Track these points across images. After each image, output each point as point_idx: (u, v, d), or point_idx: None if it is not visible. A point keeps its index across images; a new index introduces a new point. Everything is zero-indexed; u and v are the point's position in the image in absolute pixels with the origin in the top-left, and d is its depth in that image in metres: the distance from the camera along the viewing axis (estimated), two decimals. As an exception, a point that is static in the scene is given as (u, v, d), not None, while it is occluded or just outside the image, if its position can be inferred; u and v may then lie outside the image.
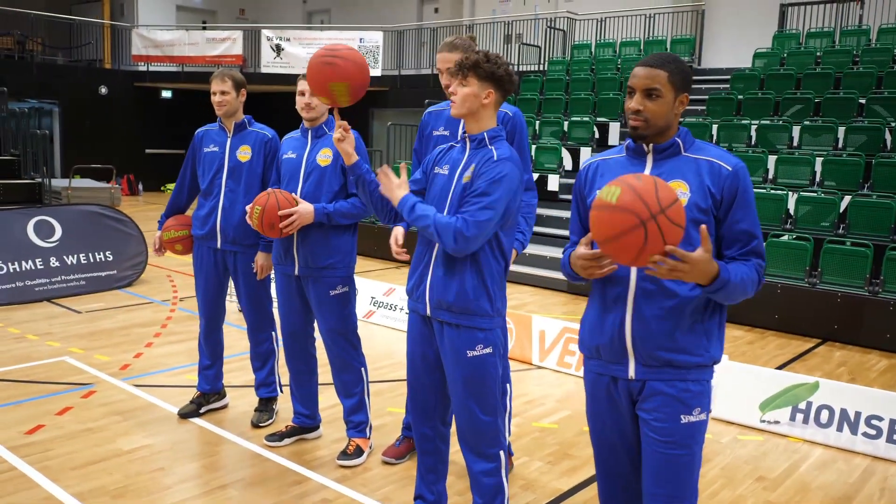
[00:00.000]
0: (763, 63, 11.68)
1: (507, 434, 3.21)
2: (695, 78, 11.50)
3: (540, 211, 8.01)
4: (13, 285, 7.14)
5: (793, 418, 4.60)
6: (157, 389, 4.95)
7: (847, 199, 7.74)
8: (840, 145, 8.99)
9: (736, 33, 13.58)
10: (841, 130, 9.05)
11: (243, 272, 4.22)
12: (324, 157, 3.79)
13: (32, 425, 4.29)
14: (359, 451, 3.95)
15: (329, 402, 4.58)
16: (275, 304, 4.25)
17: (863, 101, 9.61)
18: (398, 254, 3.53)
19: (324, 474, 3.80)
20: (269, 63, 17.31)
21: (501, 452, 2.92)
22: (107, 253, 7.90)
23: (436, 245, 2.83)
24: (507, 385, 3.67)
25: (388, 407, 4.79)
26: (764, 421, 4.67)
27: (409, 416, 3.31)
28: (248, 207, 3.72)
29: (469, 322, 2.79)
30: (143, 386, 5.00)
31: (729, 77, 11.56)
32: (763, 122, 9.72)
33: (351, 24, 18.56)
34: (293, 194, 3.75)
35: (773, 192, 8.18)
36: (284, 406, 4.52)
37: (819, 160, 8.55)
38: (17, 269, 7.22)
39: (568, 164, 10.90)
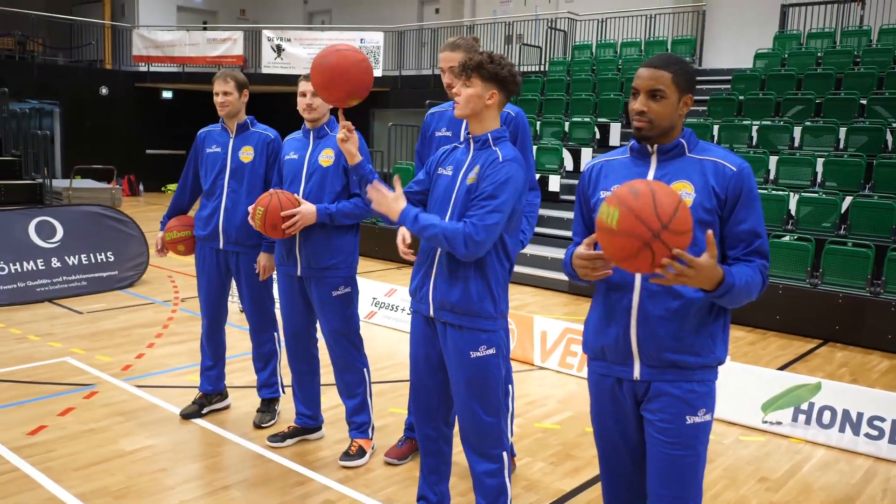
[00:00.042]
0: (764, 64, 11.67)
1: (509, 435, 3.21)
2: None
3: (541, 212, 8.00)
4: (15, 286, 7.14)
5: (795, 419, 4.60)
6: (158, 390, 4.95)
7: (848, 199, 7.74)
8: (841, 146, 8.99)
9: (737, 34, 13.58)
10: (842, 131, 9.05)
11: (246, 273, 4.22)
12: (326, 158, 3.79)
13: (35, 426, 4.29)
14: (361, 452, 3.95)
15: (331, 402, 4.58)
16: (277, 305, 4.25)
17: (864, 101, 9.61)
18: (405, 254, 3.42)
19: (326, 475, 3.80)
20: (270, 63, 17.31)
21: (504, 453, 2.92)
22: (108, 253, 7.90)
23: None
24: (509, 386, 3.66)
25: (391, 408, 4.79)
26: (766, 422, 4.67)
27: (412, 416, 3.31)
28: (250, 208, 3.72)
29: (472, 323, 2.79)
30: (145, 386, 5.00)
31: (730, 78, 11.55)
32: (764, 122, 9.71)
33: (352, 25, 18.56)
34: (296, 195, 3.75)
35: (774, 192, 8.17)
36: (287, 407, 4.52)
37: (820, 161, 8.55)
38: (19, 270, 7.23)
39: (569, 164, 10.91)
